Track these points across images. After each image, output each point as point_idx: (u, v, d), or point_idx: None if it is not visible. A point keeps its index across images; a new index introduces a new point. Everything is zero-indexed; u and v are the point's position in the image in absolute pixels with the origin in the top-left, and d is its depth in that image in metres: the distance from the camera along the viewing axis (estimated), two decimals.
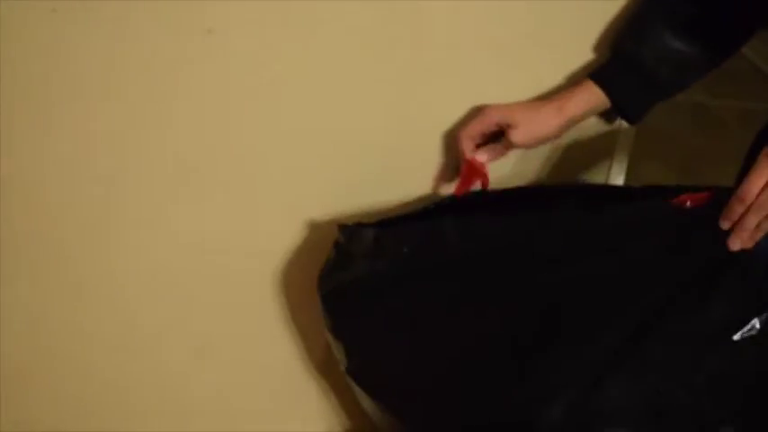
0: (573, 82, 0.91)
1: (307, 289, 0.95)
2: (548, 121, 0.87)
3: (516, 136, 0.87)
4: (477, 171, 0.90)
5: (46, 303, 1.04)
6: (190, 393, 1.16)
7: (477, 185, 0.92)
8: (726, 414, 0.72)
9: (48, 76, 0.87)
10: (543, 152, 1.00)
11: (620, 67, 0.87)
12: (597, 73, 0.87)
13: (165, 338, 1.09)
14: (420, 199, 1.00)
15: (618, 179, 1.05)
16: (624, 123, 0.98)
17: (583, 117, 0.88)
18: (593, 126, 0.98)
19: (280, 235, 1.03)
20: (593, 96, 0.87)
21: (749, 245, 0.70)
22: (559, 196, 0.90)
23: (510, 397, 0.77)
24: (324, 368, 1.14)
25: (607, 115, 0.94)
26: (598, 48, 0.93)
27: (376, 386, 0.89)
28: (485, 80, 0.93)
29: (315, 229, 1.02)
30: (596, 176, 1.05)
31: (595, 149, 1.02)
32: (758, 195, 0.66)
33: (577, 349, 0.75)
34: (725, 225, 0.70)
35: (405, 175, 0.99)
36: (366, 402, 0.94)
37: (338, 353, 0.92)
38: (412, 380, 0.86)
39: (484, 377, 0.81)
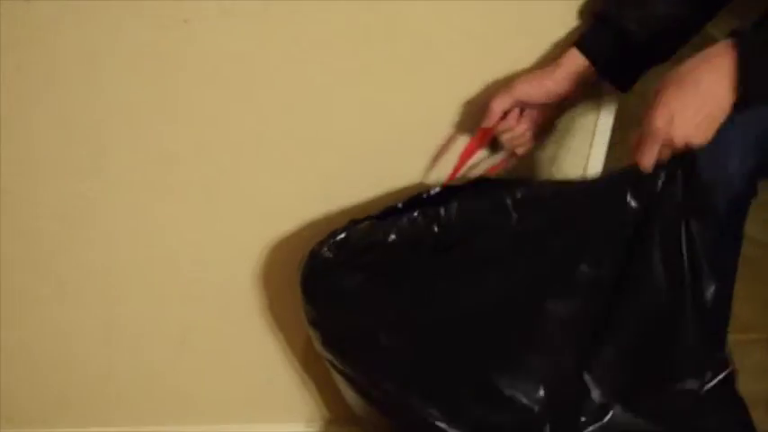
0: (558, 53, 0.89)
1: (288, 281, 0.96)
2: (542, 81, 0.86)
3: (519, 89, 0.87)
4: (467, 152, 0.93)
5: (27, 297, 1.04)
6: (171, 386, 1.16)
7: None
8: None
9: (23, 69, 0.86)
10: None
11: (603, 33, 0.85)
12: (580, 41, 0.86)
13: (147, 331, 1.10)
14: (404, 192, 1.00)
15: (597, 167, 1.04)
16: (602, 111, 0.98)
17: (575, 89, 0.87)
18: (572, 115, 0.98)
19: (261, 228, 1.03)
20: (579, 67, 0.85)
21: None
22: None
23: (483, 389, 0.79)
24: (304, 359, 1.15)
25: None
26: None
27: (356, 376, 0.89)
28: (466, 72, 0.93)
29: (296, 222, 1.02)
30: (576, 162, 1.05)
31: (574, 137, 1.02)
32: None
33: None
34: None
35: (387, 168, 0.99)
36: (346, 392, 0.95)
37: (318, 344, 0.93)
38: (391, 370, 0.86)
39: (459, 369, 0.82)
